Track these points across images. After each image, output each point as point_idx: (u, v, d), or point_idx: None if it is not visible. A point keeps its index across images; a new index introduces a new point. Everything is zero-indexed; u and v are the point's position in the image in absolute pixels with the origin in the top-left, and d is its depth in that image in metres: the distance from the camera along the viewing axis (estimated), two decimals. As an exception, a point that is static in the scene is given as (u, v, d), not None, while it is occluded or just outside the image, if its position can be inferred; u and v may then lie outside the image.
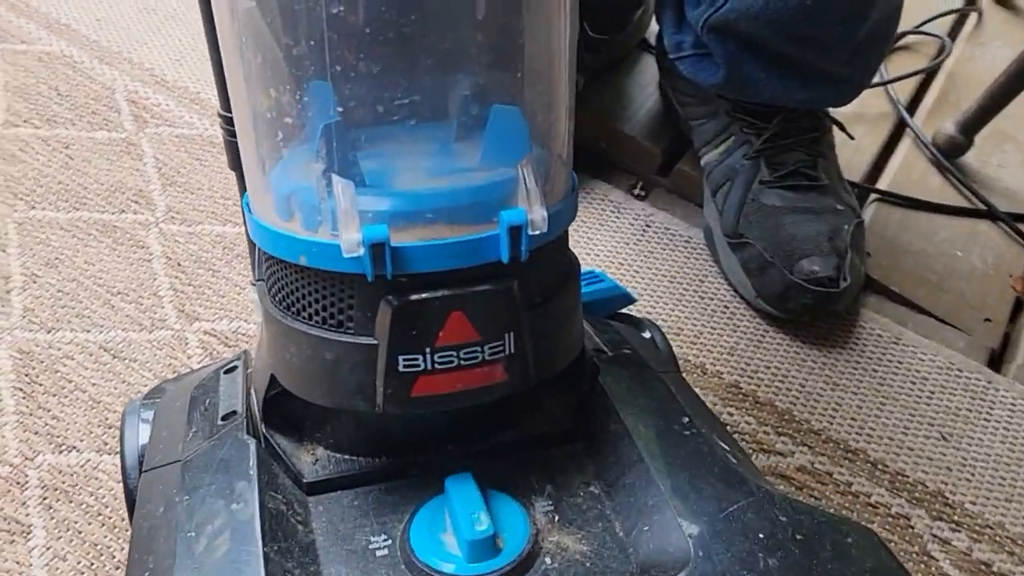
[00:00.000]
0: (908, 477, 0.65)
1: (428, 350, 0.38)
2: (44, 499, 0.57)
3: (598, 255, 0.80)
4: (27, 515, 0.57)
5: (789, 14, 0.67)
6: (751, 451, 0.66)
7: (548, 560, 0.40)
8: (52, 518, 0.57)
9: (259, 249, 0.43)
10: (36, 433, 0.61)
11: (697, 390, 0.70)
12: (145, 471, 0.46)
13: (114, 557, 0.55)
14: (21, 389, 0.63)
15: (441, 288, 0.38)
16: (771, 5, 0.67)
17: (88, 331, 0.68)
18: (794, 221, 0.73)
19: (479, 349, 0.39)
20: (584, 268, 0.48)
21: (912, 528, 0.62)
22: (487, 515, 0.39)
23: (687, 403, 0.46)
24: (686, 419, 0.44)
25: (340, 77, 0.37)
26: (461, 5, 0.39)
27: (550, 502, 0.42)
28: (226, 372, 0.49)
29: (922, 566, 0.60)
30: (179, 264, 0.74)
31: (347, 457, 0.44)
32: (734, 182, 0.76)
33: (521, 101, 0.40)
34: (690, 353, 0.72)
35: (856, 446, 0.67)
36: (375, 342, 0.38)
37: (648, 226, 0.83)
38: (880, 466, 0.65)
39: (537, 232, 0.37)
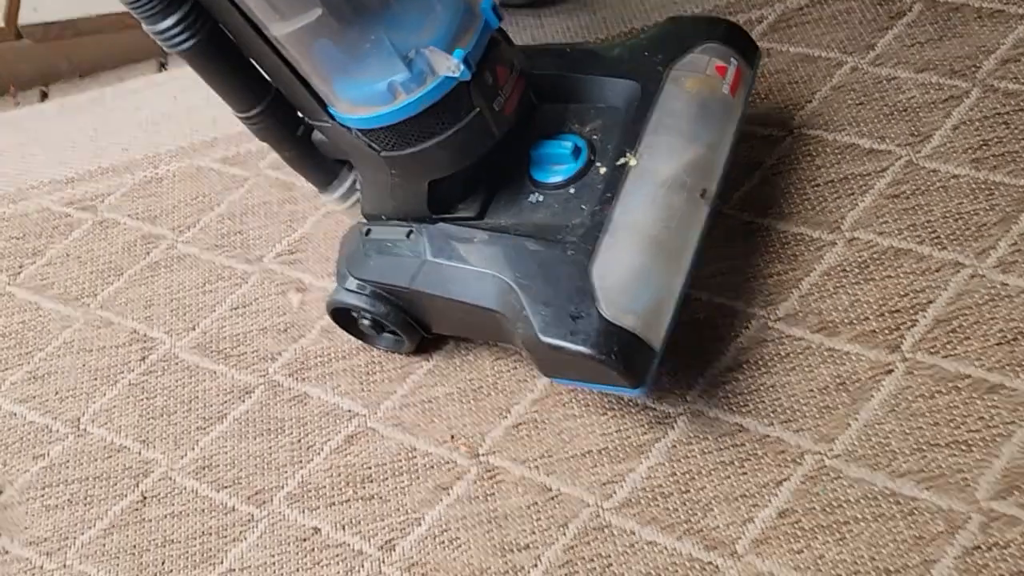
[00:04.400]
0: None
1: (500, 90, 0.68)
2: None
3: None
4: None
5: None
6: None
7: (599, 164, 0.74)
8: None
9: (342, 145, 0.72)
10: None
11: None
12: (411, 284, 0.75)
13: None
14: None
15: (485, 61, 0.66)
16: None
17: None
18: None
19: (512, 72, 0.70)
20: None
21: None
22: (568, 141, 0.74)
23: (559, 46, 0.87)
24: (567, 48, 0.85)
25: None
26: None
27: (592, 133, 0.76)
28: (366, 235, 0.78)
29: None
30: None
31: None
32: None
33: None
34: None
35: None
36: (479, 109, 0.67)
37: None
38: None
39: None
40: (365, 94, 0.65)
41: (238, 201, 1.01)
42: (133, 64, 1.20)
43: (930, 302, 0.77)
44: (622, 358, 0.66)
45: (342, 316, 0.83)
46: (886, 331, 0.77)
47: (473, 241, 0.73)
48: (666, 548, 0.71)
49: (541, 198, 0.75)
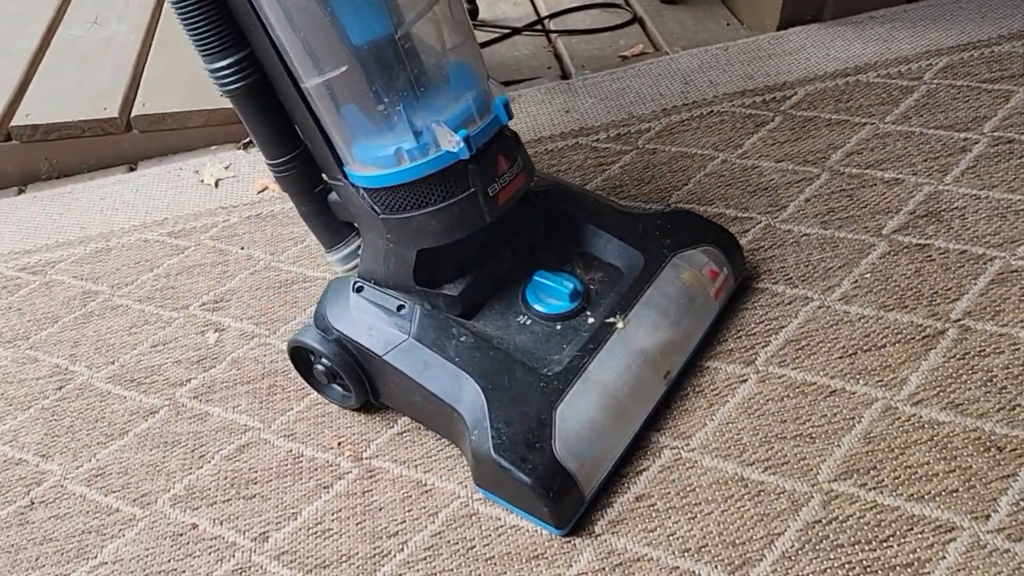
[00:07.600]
0: None
1: (498, 178, 0.71)
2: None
3: None
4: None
5: None
6: None
7: (589, 314, 0.80)
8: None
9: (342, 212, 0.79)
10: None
11: None
12: (385, 354, 0.76)
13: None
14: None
15: (488, 149, 0.71)
16: None
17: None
18: None
19: (513, 167, 0.73)
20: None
21: None
22: (570, 281, 0.80)
23: (584, 193, 0.88)
24: (591, 199, 0.88)
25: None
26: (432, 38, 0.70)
27: (591, 282, 0.83)
28: (357, 290, 0.80)
29: None
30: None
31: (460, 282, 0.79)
32: None
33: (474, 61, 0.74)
34: None
35: None
36: (474, 189, 0.70)
37: None
38: None
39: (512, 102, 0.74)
40: (375, 156, 0.71)
41: (175, 264, 1.10)
42: (107, 169, 1.33)
43: (782, 327, 0.85)
44: (558, 499, 0.69)
45: (301, 357, 0.85)
46: (743, 349, 0.84)
47: (460, 339, 0.76)
48: (528, 531, 0.73)
49: (528, 322, 0.79)
